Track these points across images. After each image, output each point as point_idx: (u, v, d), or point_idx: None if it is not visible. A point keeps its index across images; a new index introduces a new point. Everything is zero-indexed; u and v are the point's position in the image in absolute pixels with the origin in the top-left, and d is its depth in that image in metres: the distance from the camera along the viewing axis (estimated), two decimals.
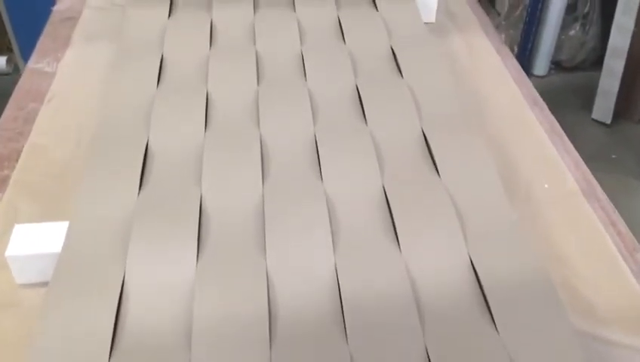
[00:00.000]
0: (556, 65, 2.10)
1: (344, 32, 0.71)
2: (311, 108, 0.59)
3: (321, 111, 0.59)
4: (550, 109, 0.68)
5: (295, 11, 0.75)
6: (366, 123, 0.57)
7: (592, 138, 1.79)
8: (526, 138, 0.64)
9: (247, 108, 0.59)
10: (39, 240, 0.47)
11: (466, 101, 0.63)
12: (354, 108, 0.59)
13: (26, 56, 2.09)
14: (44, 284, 0.45)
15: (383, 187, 0.50)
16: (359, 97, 0.61)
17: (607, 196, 0.57)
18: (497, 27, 2.19)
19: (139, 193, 0.49)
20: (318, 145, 0.54)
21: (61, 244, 0.45)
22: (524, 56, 2.04)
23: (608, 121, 1.82)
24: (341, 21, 0.73)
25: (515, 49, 2.10)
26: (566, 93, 1.99)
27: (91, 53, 0.74)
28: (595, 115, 1.84)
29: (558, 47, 2.04)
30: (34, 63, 0.74)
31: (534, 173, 0.59)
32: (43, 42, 0.78)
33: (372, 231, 0.46)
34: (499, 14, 2.20)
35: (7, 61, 2.10)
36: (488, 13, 2.27)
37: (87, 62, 0.72)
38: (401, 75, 0.64)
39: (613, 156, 1.73)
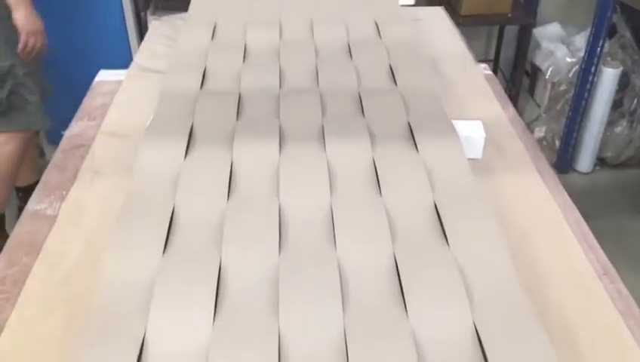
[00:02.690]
0: (601, 161, 2.00)
1: (380, 180, 0.62)
2: (340, 290, 0.49)
3: (352, 294, 0.50)
4: (596, 209, 0.59)
5: (325, 150, 0.67)
6: (406, 312, 0.48)
7: None
8: (597, 321, 0.53)
9: (264, 287, 0.50)
10: None
11: (522, 274, 0.53)
12: (391, 289, 0.50)
13: (52, 140, 2.07)
14: None
15: None
16: (397, 272, 0.51)
17: None
18: (537, 119, 2.11)
19: None
20: (347, 346, 0.44)
21: None
22: (567, 152, 1.94)
23: None
24: (377, 165, 0.64)
25: (557, 144, 2.01)
26: (613, 192, 1.87)
27: (98, 196, 0.67)
28: None
29: (604, 143, 1.94)
30: (35, 203, 0.67)
31: None
32: (49, 174, 0.72)
33: None
34: (538, 106, 2.12)
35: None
36: (527, 105, 2.20)
37: (92, 207, 0.65)
38: (447, 243, 0.55)
39: None
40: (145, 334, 0.45)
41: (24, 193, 1.75)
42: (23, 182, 1.75)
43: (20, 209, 1.76)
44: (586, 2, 2.14)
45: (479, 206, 0.59)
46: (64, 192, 0.68)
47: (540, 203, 0.66)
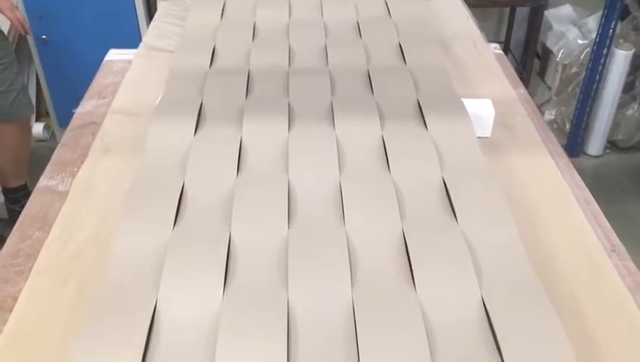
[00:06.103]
0: (612, 144, 1.99)
1: (389, 157, 0.62)
2: (349, 264, 0.50)
3: (361, 269, 0.50)
4: (606, 192, 0.59)
5: (334, 128, 0.67)
6: (414, 286, 0.48)
7: None
8: (605, 297, 0.53)
9: (273, 260, 0.51)
10: None
11: (531, 250, 0.53)
12: (400, 265, 0.50)
13: (62, 122, 2.08)
14: None
15: None
16: (406, 248, 0.52)
17: None
18: (547, 101, 2.10)
19: None
20: (356, 319, 0.45)
21: None
22: (578, 135, 1.93)
23: None
24: (386, 143, 0.64)
25: (568, 126, 2.00)
26: (622, 175, 1.86)
27: (109, 173, 0.67)
28: None
29: (614, 126, 1.93)
30: (47, 179, 0.67)
31: (621, 353, 0.48)
32: (60, 152, 0.72)
33: None
34: (549, 89, 2.10)
35: (45, 127, 2.09)
36: (538, 88, 2.19)
37: (102, 183, 0.65)
38: (456, 220, 0.55)
39: None
40: (156, 303, 0.46)
41: (13, 194, 1.69)
42: (12, 183, 1.67)
43: (9, 210, 1.71)
44: None
45: (488, 183, 0.59)
46: (75, 169, 0.69)
47: (549, 181, 0.66)
